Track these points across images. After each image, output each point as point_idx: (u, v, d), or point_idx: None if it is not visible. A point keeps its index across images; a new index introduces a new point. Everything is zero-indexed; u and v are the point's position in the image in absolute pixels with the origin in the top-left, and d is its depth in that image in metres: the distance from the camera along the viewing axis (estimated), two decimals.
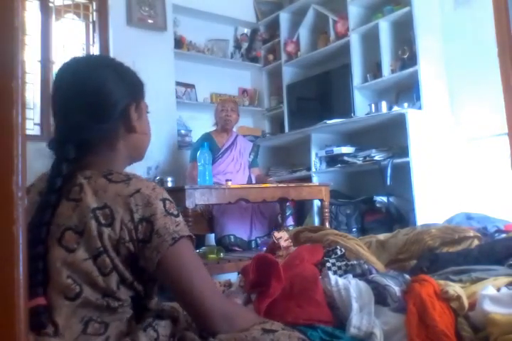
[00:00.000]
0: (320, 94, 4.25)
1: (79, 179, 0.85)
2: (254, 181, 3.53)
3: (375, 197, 3.37)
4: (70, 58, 0.98)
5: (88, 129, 0.89)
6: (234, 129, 3.71)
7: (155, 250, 0.81)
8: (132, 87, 0.98)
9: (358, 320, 1.06)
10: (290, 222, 3.29)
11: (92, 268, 0.79)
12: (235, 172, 3.44)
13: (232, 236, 3.04)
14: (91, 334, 0.78)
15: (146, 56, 3.86)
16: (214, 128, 3.66)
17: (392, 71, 3.53)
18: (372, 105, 3.59)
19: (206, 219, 3.20)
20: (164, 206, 0.83)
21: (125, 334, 0.82)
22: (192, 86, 4.38)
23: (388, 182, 3.20)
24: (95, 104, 0.90)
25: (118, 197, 0.81)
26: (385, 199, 3.29)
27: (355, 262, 1.33)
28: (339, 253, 1.37)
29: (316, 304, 1.11)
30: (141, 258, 0.82)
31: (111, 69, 0.95)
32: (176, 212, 0.85)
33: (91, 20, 3.86)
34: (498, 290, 1.12)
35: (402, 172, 3.15)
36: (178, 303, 0.89)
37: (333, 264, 1.32)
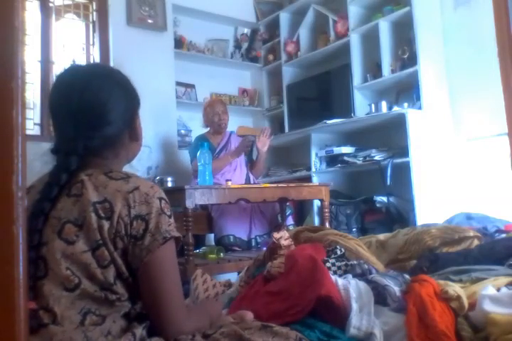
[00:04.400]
0: (320, 94, 4.25)
1: (80, 176, 0.88)
2: (251, 177, 3.53)
3: (375, 197, 3.37)
4: (69, 67, 1.01)
5: (93, 139, 0.92)
6: (229, 128, 3.69)
7: (145, 249, 0.83)
8: (134, 96, 1.01)
9: (357, 321, 1.06)
10: (290, 221, 3.29)
11: (91, 260, 0.82)
12: (232, 170, 3.43)
13: (231, 237, 3.04)
14: (89, 325, 0.80)
15: (146, 56, 3.85)
16: (206, 130, 3.63)
17: (392, 71, 3.53)
18: (372, 105, 3.59)
19: (206, 218, 3.20)
20: (160, 205, 0.86)
21: (125, 330, 0.84)
22: (192, 86, 4.38)
23: (388, 182, 3.20)
24: (101, 117, 0.93)
25: (118, 192, 0.84)
26: (385, 199, 3.29)
27: (355, 262, 1.33)
28: (339, 253, 1.37)
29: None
30: (128, 253, 0.85)
31: (114, 81, 0.98)
32: (169, 213, 0.88)
33: (91, 20, 3.86)
34: (498, 290, 1.12)
35: (402, 172, 3.15)
36: (144, 301, 0.89)
37: (333, 264, 1.32)
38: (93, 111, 0.93)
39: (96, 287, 0.82)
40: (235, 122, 4.46)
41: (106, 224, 0.82)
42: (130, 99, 1.00)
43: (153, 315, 0.86)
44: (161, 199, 0.87)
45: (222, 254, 2.74)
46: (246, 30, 4.76)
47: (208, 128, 3.61)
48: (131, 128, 0.98)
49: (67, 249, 0.82)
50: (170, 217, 0.87)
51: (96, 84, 0.95)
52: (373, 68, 3.73)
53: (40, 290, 0.80)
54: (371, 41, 3.70)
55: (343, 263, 1.33)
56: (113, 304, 0.84)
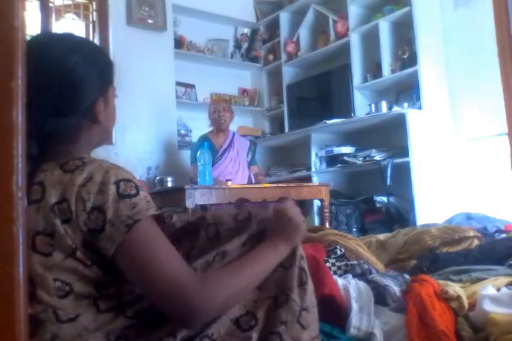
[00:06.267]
0: (320, 94, 4.25)
1: (38, 176, 0.81)
2: (253, 179, 3.53)
3: (375, 197, 3.37)
4: (36, 37, 0.88)
5: (52, 123, 0.82)
6: (230, 128, 3.69)
7: (109, 240, 0.76)
8: (103, 76, 0.90)
9: (357, 321, 1.06)
10: None
11: (76, 263, 0.78)
12: (234, 172, 3.43)
13: None
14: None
15: (146, 56, 3.86)
16: (210, 129, 3.64)
17: (392, 71, 3.53)
18: (372, 105, 3.59)
19: None
20: (118, 189, 0.77)
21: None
22: (192, 86, 4.38)
23: (388, 182, 3.20)
24: (62, 97, 0.83)
25: (72, 187, 0.77)
26: (385, 199, 3.29)
27: (355, 262, 1.33)
28: (339, 253, 1.37)
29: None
30: (98, 247, 0.78)
31: (82, 56, 0.86)
32: (133, 192, 0.78)
33: (91, 20, 3.86)
34: (498, 290, 1.12)
35: (402, 172, 3.15)
36: (144, 293, 0.81)
37: (333, 264, 1.32)
38: (60, 92, 0.82)
39: (91, 288, 0.78)
40: (235, 122, 4.46)
41: (69, 228, 0.76)
42: (98, 79, 0.88)
43: (164, 303, 0.77)
44: (118, 182, 0.77)
45: None
46: (246, 30, 4.76)
47: (212, 128, 3.61)
48: (91, 113, 0.87)
49: (46, 261, 0.77)
50: (134, 195, 0.77)
51: (67, 62, 0.82)
52: (373, 68, 3.73)
53: (34, 299, 0.76)
54: (371, 41, 3.70)
55: (343, 263, 1.33)
56: (113, 299, 0.80)
